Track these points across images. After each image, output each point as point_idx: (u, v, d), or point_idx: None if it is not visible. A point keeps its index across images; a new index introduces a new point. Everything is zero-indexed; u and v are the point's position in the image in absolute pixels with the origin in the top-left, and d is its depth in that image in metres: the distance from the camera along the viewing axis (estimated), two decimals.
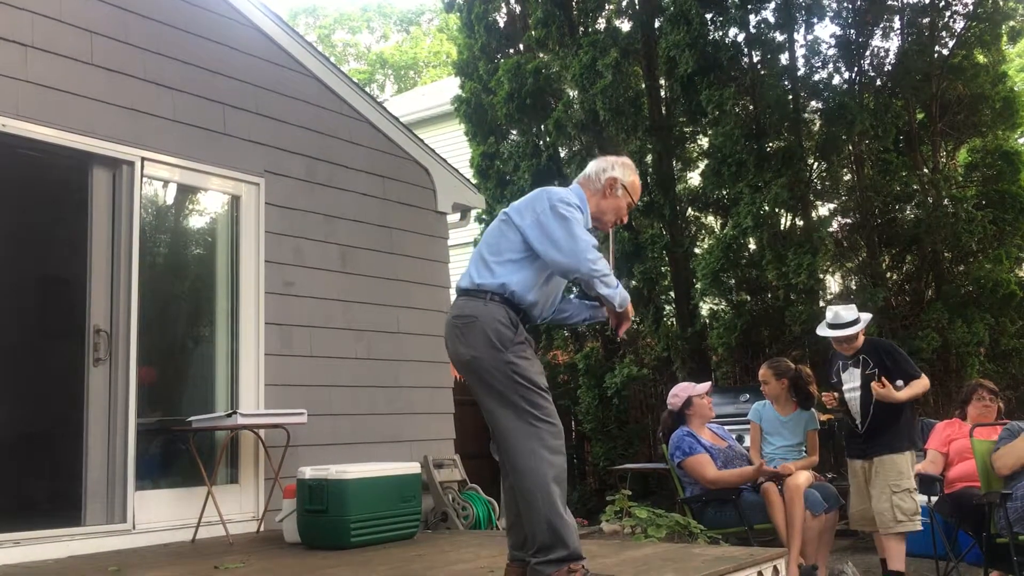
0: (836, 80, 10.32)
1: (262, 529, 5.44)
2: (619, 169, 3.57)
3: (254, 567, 4.16)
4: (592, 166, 3.62)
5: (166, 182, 5.58)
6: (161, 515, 5.10)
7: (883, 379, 5.41)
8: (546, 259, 3.26)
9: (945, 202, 9.76)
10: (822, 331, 5.76)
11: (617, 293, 3.30)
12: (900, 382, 5.45)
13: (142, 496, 5.02)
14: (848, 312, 5.66)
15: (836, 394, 5.76)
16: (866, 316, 5.71)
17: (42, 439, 6.06)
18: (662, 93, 11.24)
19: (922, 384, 5.57)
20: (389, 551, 4.57)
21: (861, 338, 5.71)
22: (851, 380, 5.65)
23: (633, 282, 10.63)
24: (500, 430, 3.23)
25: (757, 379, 6.18)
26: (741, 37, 10.50)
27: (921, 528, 5.38)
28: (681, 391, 5.84)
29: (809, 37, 10.38)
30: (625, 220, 3.66)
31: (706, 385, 5.90)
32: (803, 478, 5.47)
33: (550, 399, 3.25)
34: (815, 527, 5.39)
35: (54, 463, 5.59)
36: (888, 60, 10.43)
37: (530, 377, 3.20)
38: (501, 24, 12.54)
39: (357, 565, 4.12)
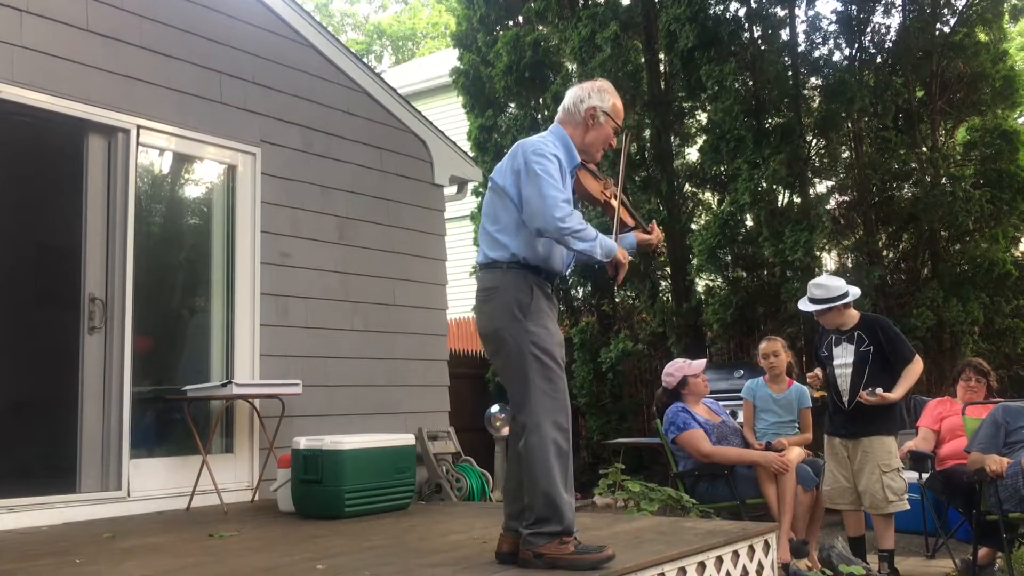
0: (836, 56, 10.29)
1: (256, 498, 5.46)
2: (596, 96, 3.42)
3: (248, 536, 4.18)
4: (568, 98, 3.46)
5: (162, 150, 5.55)
6: (156, 483, 5.12)
7: (874, 390, 5.33)
8: (524, 219, 3.23)
9: (943, 181, 9.75)
10: (803, 305, 5.70)
11: (596, 245, 3.21)
12: (879, 388, 5.37)
13: (137, 464, 5.04)
14: (832, 283, 5.58)
15: (821, 374, 5.71)
16: (854, 291, 5.59)
17: (37, 407, 6.07)
18: (661, 68, 11.19)
19: (914, 371, 5.44)
20: (383, 521, 4.60)
21: (855, 313, 5.65)
22: (843, 356, 5.56)
23: (629, 257, 10.61)
24: (512, 400, 3.25)
25: (751, 355, 6.21)
26: (742, 12, 10.45)
27: (908, 507, 5.41)
28: (676, 370, 5.84)
29: (810, 13, 10.37)
30: (615, 144, 3.51)
31: (701, 363, 5.91)
32: (795, 454, 5.50)
33: (563, 374, 3.24)
34: (806, 502, 5.43)
35: (49, 431, 5.60)
36: (889, 37, 10.38)
37: (547, 348, 3.19)
38: None
39: (351, 535, 4.14)
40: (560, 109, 3.48)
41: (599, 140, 3.45)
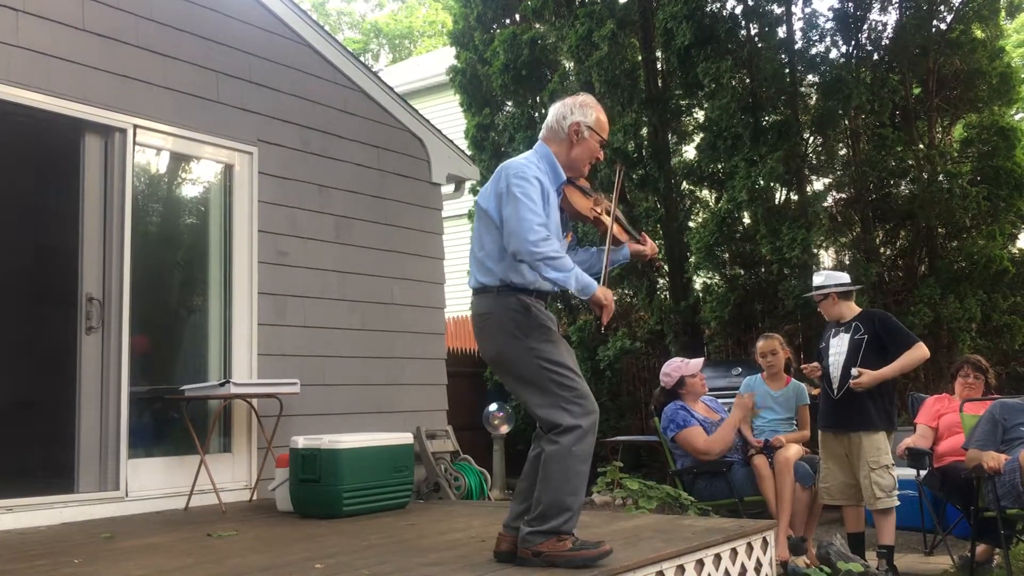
0: (833, 54, 10.27)
1: (255, 498, 5.46)
2: (579, 112, 3.40)
3: (247, 535, 4.18)
4: (552, 115, 3.44)
5: (159, 150, 5.54)
6: (154, 483, 5.12)
7: (860, 369, 5.35)
8: (503, 242, 3.21)
9: (940, 178, 9.74)
10: (808, 292, 5.97)
11: (571, 277, 3.11)
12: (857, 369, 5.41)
13: (135, 464, 5.03)
14: (835, 274, 5.78)
15: (818, 365, 5.72)
16: (856, 286, 5.75)
17: (35, 407, 6.07)
18: (658, 65, 11.17)
19: (916, 354, 5.41)
20: (381, 520, 4.60)
21: (855, 307, 5.71)
22: (838, 345, 5.60)
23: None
24: (536, 415, 3.22)
25: (750, 353, 6.23)
26: (739, 9, 10.44)
27: (899, 503, 5.41)
28: (674, 370, 5.85)
29: (807, 10, 10.35)
30: (601, 157, 3.50)
31: (699, 361, 5.91)
32: (793, 451, 5.51)
33: (580, 379, 3.21)
34: (804, 499, 5.43)
35: (47, 431, 5.60)
36: (886, 34, 10.38)
37: (556, 359, 3.18)
38: None
39: (349, 534, 4.14)
40: (544, 127, 3.46)
41: (585, 155, 3.43)
